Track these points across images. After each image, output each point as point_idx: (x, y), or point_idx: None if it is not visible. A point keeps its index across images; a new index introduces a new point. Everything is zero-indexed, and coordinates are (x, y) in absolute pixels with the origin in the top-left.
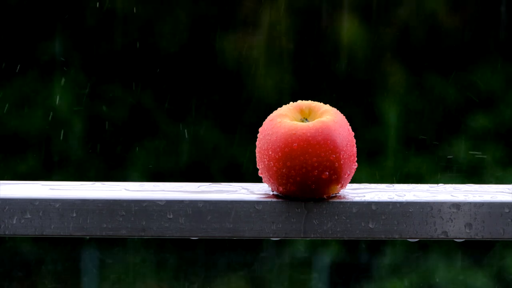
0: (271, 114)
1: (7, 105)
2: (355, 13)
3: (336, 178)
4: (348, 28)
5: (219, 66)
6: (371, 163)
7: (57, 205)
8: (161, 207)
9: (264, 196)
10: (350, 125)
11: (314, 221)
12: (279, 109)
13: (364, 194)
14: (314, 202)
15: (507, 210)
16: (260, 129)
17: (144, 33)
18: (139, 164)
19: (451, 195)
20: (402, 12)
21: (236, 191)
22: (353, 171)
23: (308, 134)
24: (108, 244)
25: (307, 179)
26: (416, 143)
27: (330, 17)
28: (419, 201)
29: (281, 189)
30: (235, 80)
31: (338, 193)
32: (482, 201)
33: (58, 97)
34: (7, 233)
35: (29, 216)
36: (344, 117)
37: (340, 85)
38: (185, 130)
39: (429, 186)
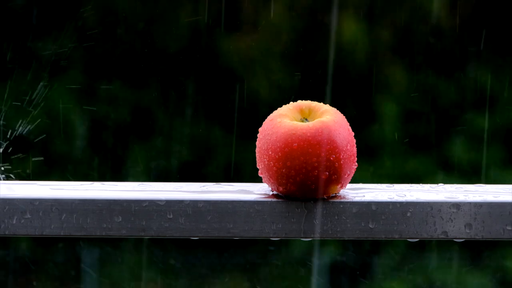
0: (271, 114)
1: (7, 105)
2: (355, 13)
3: (336, 178)
4: (348, 28)
5: (219, 66)
6: (371, 163)
7: (57, 205)
8: (161, 207)
9: (264, 196)
10: (350, 125)
11: (314, 221)
12: (279, 109)
13: (364, 194)
14: (314, 202)
15: (507, 210)
16: (260, 129)
17: (144, 33)
18: (139, 164)
19: (451, 195)
20: (402, 11)
21: (236, 191)
22: (353, 171)
23: (308, 134)
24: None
25: (307, 179)
26: (415, 143)
27: (330, 16)
28: (419, 201)
29: (281, 189)
30: (235, 80)
31: (338, 193)
32: (482, 201)
33: (58, 96)
34: (7, 233)
35: (29, 216)
36: (344, 117)
37: (340, 85)
38: (185, 130)
39: (429, 186)
